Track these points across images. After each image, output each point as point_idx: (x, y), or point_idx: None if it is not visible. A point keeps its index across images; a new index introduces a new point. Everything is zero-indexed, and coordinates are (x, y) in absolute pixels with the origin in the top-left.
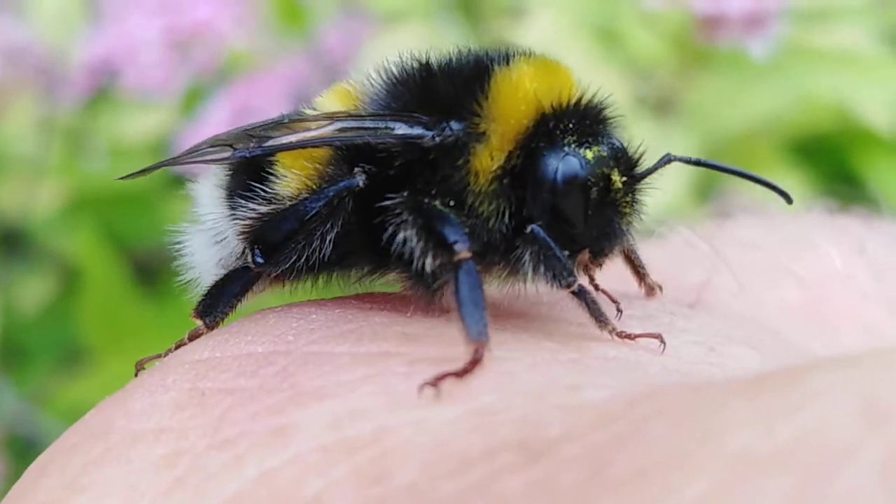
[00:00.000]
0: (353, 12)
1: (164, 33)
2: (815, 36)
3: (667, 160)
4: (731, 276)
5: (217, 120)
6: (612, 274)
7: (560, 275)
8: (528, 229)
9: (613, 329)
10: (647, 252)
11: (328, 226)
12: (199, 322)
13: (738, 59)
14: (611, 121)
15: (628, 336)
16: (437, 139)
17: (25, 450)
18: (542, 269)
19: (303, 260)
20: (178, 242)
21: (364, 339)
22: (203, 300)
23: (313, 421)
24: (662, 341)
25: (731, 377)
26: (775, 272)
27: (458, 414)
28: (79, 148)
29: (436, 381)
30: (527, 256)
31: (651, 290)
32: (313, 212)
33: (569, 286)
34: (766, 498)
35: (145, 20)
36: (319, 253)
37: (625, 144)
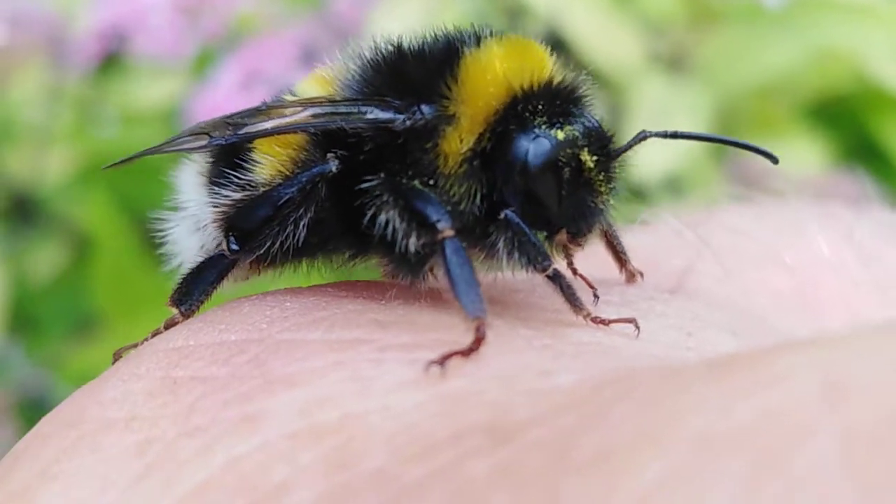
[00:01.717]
0: None
1: None
2: None
3: (641, 137)
4: (716, 263)
5: (228, 84)
6: (594, 260)
7: (535, 259)
8: (502, 215)
9: (588, 314)
10: (632, 239)
11: (301, 211)
12: (174, 310)
13: (752, 10)
14: (584, 99)
15: (602, 321)
16: (407, 123)
17: (38, 415)
18: (516, 254)
19: (277, 245)
20: (162, 230)
21: (336, 326)
22: (178, 288)
23: (283, 408)
24: (637, 326)
25: (703, 360)
26: (763, 259)
27: (425, 399)
28: (89, 115)
29: (442, 360)
30: (501, 243)
31: (632, 276)
32: (286, 197)
33: (544, 270)
34: (724, 478)
35: None
36: (294, 238)
37: (598, 123)
